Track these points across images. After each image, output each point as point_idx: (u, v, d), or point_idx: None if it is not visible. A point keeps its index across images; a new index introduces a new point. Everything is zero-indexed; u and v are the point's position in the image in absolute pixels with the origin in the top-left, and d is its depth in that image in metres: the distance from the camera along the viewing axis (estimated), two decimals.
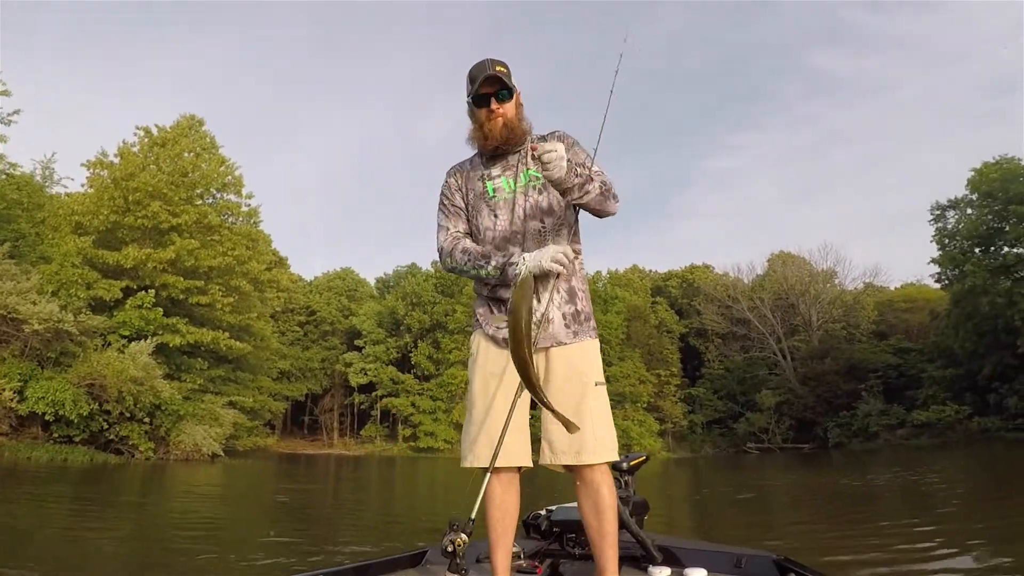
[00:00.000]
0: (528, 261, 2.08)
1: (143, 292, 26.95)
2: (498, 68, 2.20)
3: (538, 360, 2.16)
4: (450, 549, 1.95)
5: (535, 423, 2.25)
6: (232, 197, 33.12)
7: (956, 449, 28.76)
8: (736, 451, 46.52)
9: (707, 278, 58.67)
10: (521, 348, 1.89)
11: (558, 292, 2.23)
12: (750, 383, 50.11)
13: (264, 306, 38.61)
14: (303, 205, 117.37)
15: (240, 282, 30.97)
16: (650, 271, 65.29)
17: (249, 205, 33.91)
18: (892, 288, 54.69)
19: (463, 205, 2.37)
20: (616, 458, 2.26)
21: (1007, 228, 34.17)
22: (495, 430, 2.12)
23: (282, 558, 6.10)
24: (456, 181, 2.39)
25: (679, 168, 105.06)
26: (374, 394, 55.10)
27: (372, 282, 66.15)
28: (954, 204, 37.89)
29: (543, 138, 2.34)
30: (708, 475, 23.27)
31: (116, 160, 30.63)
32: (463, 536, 1.96)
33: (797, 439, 45.12)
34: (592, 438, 2.13)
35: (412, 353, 54.88)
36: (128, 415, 23.04)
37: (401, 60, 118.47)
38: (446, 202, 2.39)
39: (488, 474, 2.10)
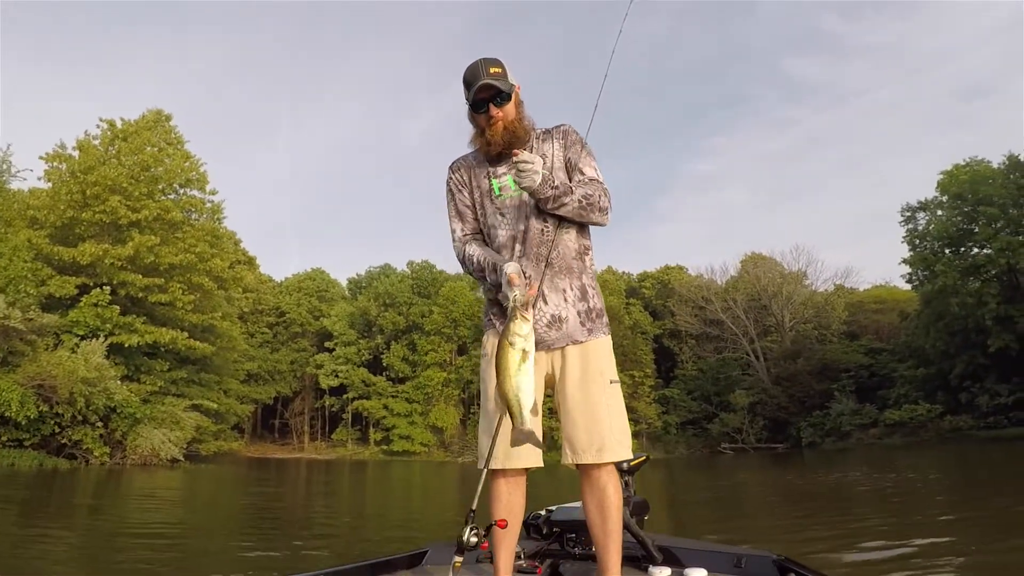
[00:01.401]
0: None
1: (98, 289, 25.85)
2: (492, 70, 2.17)
3: (554, 359, 2.21)
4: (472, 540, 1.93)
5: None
6: (196, 193, 32.09)
7: (928, 448, 28.94)
8: (710, 451, 46.48)
9: (681, 279, 58.71)
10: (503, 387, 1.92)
11: (571, 290, 2.23)
12: (723, 384, 50.13)
13: (230, 306, 37.55)
14: (277, 206, 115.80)
15: (202, 280, 29.97)
16: (624, 272, 65.22)
17: (212, 201, 32.87)
18: (861, 289, 55.26)
19: (470, 203, 2.35)
20: (631, 456, 2.26)
21: (976, 229, 34.59)
22: (508, 431, 2.07)
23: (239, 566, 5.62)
24: (461, 176, 2.37)
25: (656, 171, 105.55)
26: (345, 396, 54.18)
27: (344, 283, 65.21)
28: (924, 206, 38.27)
29: (548, 132, 2.34)
30: (684, 476, 22.95)
31: (75, 153, 29.54)
32: (479, 530, 1.97)
33: (771, 439, 45.22)
34: (611, 436, 2.14)
35: (384, 355, 54.09)
36: (81, 418, 21.98)
37: (381, 58, 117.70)
38: (454, 199, 2.37)
39: (484, 472, 2.12)
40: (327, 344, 55.85)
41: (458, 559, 1.92)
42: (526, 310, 1.94)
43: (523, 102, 2.30)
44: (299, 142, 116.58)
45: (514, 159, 2.09)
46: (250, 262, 51.97)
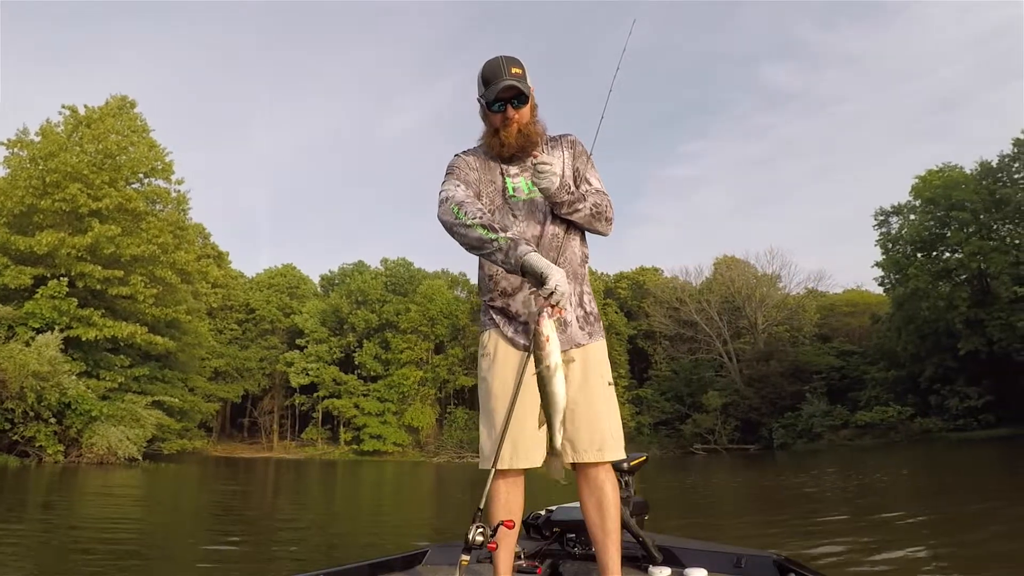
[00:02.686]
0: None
1: (55, 280, 24.84)
2: (514, 71, 2.16)
3: None
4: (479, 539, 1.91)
5: None
6: (160, 182, 31.08)
7: (899, 449, 29.09)
8: (683, 452, 46.45)
9: (656, 281, 58.80)
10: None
11: (573, 295, 2.27)
12: (697, 385, 50.20)
13: (197, 301, 36.55)
14: (252, 202, 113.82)
15: (165, 272, 28.97)
16: (601, 273, 65.15)
17: (178, 191, 31.89)
18: (831, 293, 55.71)
19: (478, 189, 2.27)
20: (624, 455, 2.30)
21: (948, 234, 34.98)
22: (519, 432, 2.12)
23: None
24: (474, 161, 2.31)
25: (634, 174, 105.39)
26: (315, 395, 53.27)
27: (316, 280, 64.20)
28: (898, 210, 38.71)
29: (555, 139, 2.37)
30: (659, 476, 22.72)
31: (37, 139, 28.50)
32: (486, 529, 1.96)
33: (743, 440, 45.36)
34: (610, 436, 2.19)
35: (356, 353, 53.28)
36: (33, 414, 21.03)
37: (361, 56, 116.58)
38: (460, 173, 2.26)
39: (492, 472, 2.09)
40: (298, 341, 54.92)
41: (465, 557, 1.91)
42: (542, 323, 1.92)
43: (537, 106, 2.30)
44: (275, 138, 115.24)
45: (533, 160, 2.12)
46: (219, 257, 50.84)
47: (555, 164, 2.13)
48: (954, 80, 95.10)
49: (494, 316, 2.29)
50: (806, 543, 6.22)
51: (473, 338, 50.00)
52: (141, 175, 30.32)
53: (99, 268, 26.11)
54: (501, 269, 2.17)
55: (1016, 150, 33.29)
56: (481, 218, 2.04)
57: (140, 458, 24.08)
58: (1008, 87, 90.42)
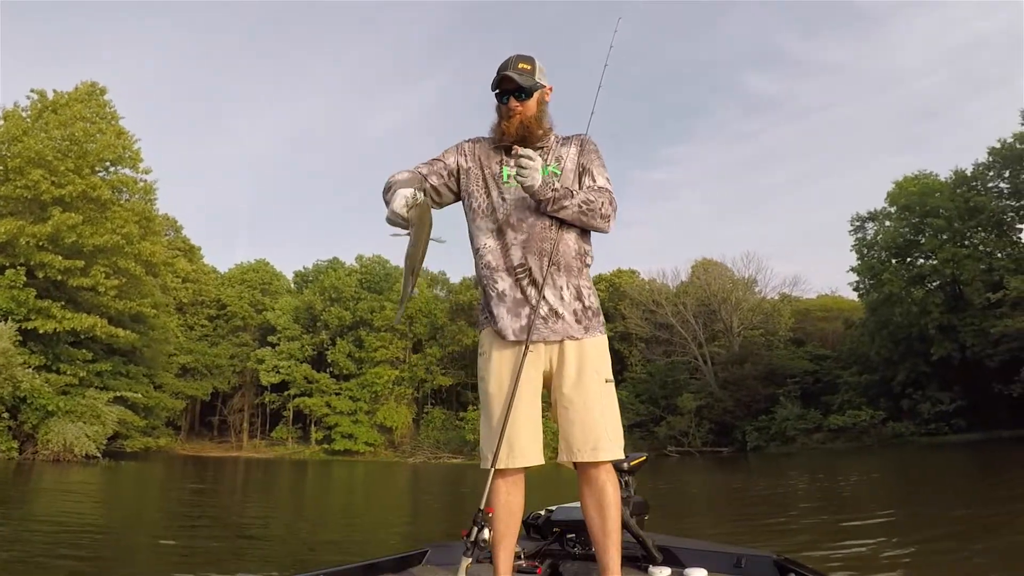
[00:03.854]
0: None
1: (13, 270, 23.89)
2: (521, 66, 2.27)
3: (552, 354, 2.23)
4: (478, 539, 1.93)
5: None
6: (127, 171, 30.11)
7: (871, 453, 29.28)
8: (657, 454, 46.35)
9: (633, 283, 58.83)
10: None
11: (568, 288, 2.25)
12: (671, 387, 50.22)
13: (166, 296, 35.57)
14: (231, 197, 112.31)
15: (129, 264, 28.01)
16: None
17: (145, 180, 30.92)
18: (805, 298, 56.19)
19: (453, 169, 2.37)
20: (622, 455, 2.26)
21: (923, 240, 35.31)
22: (514, 431, 2.13)
23: None
24: (469, 147, 2.40)
25: (615, 177, 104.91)
26: (286, 393, 52.35)
27: (290, 276, 63.19)
28: (873, 216, 39.08)
29: (568, 138, 2.40)
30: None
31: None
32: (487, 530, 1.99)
33: (716, 442, 45.45)
34: (606, 435, 2.16)
35: (329, 351, 52.47)
36: None
37: (346, 54, 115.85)
38: (445, 154, 2.39)
39: (491, 472, 2.12)
40: (270, 339, 53.94)
41: (467, 559, 1.92)
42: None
43: (547, 103, 2.36)
44: (257, 134, 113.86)
45: (514, 152, 2.15)
46: (190, 250, 49.75)
47: (537, 160, 2.13)
48: (933, 90, 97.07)
49: (491, 313, 2.29)
50: (778, 543, 6.16)
51: (452, 337, 49.68)
52: (108, 163, 29.37)
53: (59, 258, 25.18)
54: (486, 244, 2.25)
55: (991, 159, 33.73)
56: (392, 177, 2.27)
57: (99, 456, 23.22)
58: (986, 98, 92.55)
